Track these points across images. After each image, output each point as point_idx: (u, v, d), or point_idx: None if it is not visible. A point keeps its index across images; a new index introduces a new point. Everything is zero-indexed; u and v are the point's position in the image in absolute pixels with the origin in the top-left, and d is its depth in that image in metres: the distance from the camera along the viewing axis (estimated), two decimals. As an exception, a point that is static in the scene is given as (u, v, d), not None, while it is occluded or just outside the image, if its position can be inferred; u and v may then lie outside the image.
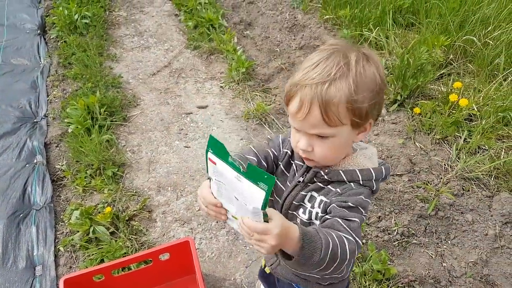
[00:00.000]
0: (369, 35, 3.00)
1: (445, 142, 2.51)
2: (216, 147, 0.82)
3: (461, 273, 1.95)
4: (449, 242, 2.08)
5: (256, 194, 0.77)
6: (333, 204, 0.95)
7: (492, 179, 2.28)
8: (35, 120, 2.73)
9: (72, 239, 2.08)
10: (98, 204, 2.24)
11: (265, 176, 0.74)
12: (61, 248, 2.06)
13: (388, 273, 1.89)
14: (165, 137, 2.62)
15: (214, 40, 3.18)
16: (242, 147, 2.53)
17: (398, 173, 2.37)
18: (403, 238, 2.07)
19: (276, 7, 3.67)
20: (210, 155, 0.84)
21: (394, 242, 2.06)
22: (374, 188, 0.99)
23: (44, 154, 2.52)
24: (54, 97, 2.87)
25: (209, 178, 0.90)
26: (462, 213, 2.17)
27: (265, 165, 1.09)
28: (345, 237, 0.86)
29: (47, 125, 2.70)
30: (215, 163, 0.84)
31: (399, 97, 2.71)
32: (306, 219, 1.04)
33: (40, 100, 2.87)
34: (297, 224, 0.84)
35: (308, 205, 1.03)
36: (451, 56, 2.85)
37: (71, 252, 2.06)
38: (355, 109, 0.88)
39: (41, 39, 3.34)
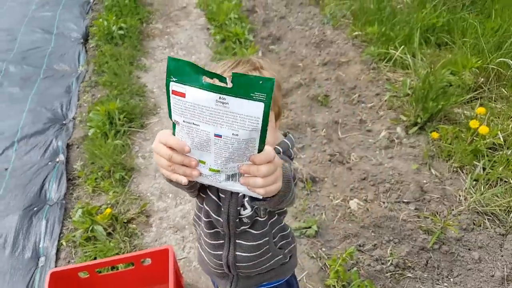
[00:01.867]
0: (394, 53, 2.93)
1: (463, 171, 2.37)
2: (181, 71, 0.63)
3: (459, 316, 1.83)
4: (451, 280, 1.96)
5: (251, 111, 0.63)
6: None
7: (510, 216, 2.11)
8: (63, 122, 3.02)
9: (74, 236, 2.26)
10: (102, 205, 2.42)
11: (260, 82, 0.61)
12: (64, 243, 2.26)
13: (373, 306, 1.84)
14: (175, 145, 2.76)
15: (237, 54, 3.31)
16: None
17: (404, 200, 2.28)
18: (397, 270, 1.98)
19: (307, 22, 3.72)
20: (174, 86, 0.65)
21: (387, 273, 1.98)
22: (292, 156, 1.12)
23: (66, 154, 2.78)
24: (84, 102, 3.16)
25: (174, 124, 0.71)
26: (469, 249, 2.03)
27: None
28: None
29: (73, 128, 2.98)
30: (183, 95, 0.65)
31: (419, 120, 2.61)
32: (251, 212, 1.08)
33: (71, 103, 3.18)
34: None
35: (246, 199, 1.07)
36: (483, 79, 2.68)
37: (71, 247, 2.25)
38: (276, 97, 1.04)
39: (83, 48, 3.70)
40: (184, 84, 0.63)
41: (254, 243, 1.13)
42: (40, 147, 2.84)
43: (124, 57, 3.37)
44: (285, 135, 1.16)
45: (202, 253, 1.25)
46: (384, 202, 2.28)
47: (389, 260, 2.01)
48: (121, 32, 3.59)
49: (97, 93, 3.19)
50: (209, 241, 1.17)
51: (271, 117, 1.03)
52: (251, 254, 1.14)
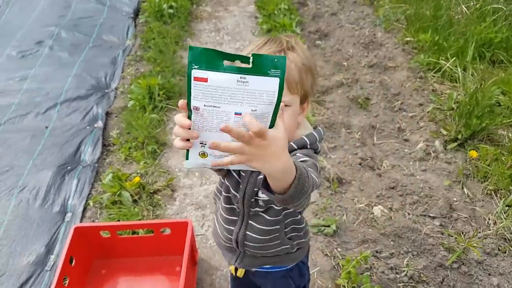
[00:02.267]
0: (444, 64, 2.92)
1: (497, 194, 2.34)
2: (202, 58, 0.69)
3: None
4: (466, 302, 1.97)
5: (268, 86, 0.71)
6: None
7: (540, 247, 2.09)
8: (105, 91, 3.22)
9: (102, 198, 2.44)
10: (132, 173, 2.58)
11: (275, 60, 0.69)
12: (91, 203, 2.44)
13: (380, 312, 1.89)
14: (208, 127, 2.89)
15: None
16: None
17: (430, 214, 2.29)
18: (411, 282, 2.01)
19: (358, 22, 3.74)
20: (196, 72, 0.71)
21: (400, 283, 2.02)
22: (319, 149, 1.14)
23: (104, 121, 2.97)
24: (127, 74, 3.35)
25: (191, 112, 0.75)
26: (489, 274, 2.03)
27: None
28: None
29: (114, 97, 3.17)
30: (205, 79, 0.71)
31: (459, 136, 2.60)
32: (267, 197, 1.13)
33: (115, 74, 3.38)
34: None
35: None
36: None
37: (97, 208, 2.42)
38: (303, 79, 1.02)
39: (132, 22, 3.91)
40: (206, 70, 0.70)
41: (265, 227, 1.20)
42: (81, 111, 3.05)
43: (171, 36, 3.54)
44: (315, 127, 1.18)
45: (217, 225, 1.34)
46: (409, 214, 2.31)
47: (404, 271, 2.04)
48: (170, 11, 3.76)
49: (140, 68, 3.37)
50: (225, 215, 1.26)
51: (294, 100, 1.04)
52: (260, 237, 1.22)
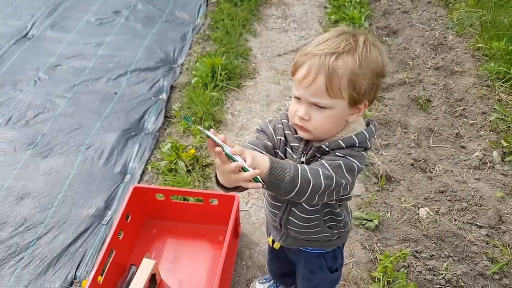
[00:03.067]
0: (515, 74, 2.86)
1: (554, 213, 2.30)
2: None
3: None
4: (502, 314, 1.99)
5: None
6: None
7: None
8: (172, 65, 3.46)
9: (159, 164, 2.66)
10: (188, 146, 2.79)
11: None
12: (149, 168, 2.68)
13: (413, 309, 1.95)
14: (264, 111, 3.04)
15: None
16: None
17: (477, 223, 2.30)
18: (448, 286, 2.05)
19: (429, 23, 3.69)
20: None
21: (436, 285, 2.07)
22: (368, 146, 1.17)
23: (168, 93, 3.21)
24: (194, 52, 3.56)
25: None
26: (531, 291, 2.03)
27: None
28: (319, 167, 1.07)
29: (180, 72, 3.40)
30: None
31: (521, 149, 2.56)
32: None
33: (183, 51, 3.61)
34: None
35: None
36: None
37: (155, 173, 2.65)
38: (356, 84, 1.04)
39: (204, 1, 4.12)
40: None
41: (306, 216, 1.30)
42: (148, 82, 3.31)
43: (240, 18, 3.71)
44: (368, 124, 1.21)
45: (266, 206, 1.48)
46: (455, 219, 2.33)
47: (442, 274, 2.08)
48: (242, -7, 3.94)
49: (207, 47, 3.57)
50: (270, 200, 1.38)
51: (335, 103, 1.07)
52: (301, 223, 1.32)
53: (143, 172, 2.65)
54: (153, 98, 3.18)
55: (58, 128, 2.94)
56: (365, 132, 1.16)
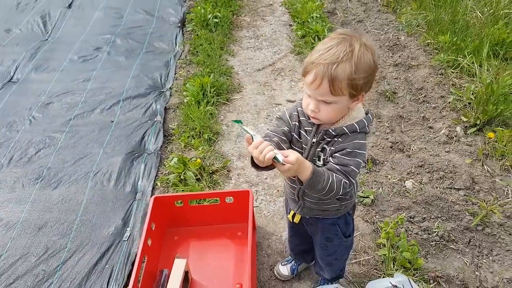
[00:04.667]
0: (462, 61, 3.27)
1: (515, 170, 2.67)
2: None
3: (493, 285, 2.15)
4: (490, 258, 2.28)
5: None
6: (336, 153, 1.41)
7: (554, 211, 2.40)
8: (161, 90, 3.64)
9: (168, 178, 2.82)
10: (192, 158, 2.97)
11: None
12: (158, 183, 2.82)
13: (416, 264, 2.21)
14: (254, 119, 3.29)
15: (316, 48, 3.80)
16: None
17: (455, 187, 2.62)
18: (442, 241, 2.34)
19: (383, 28, 4.12)
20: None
21: (432, 242, 2.34)
22: (367, 131, 1.43)
23: (163, 115, 3.37)
24: (180, 76, 3.77)
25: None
26: (510, 234, 2.34)
27: (285, 139, 1.49)
28: (342, 179, 1.37)
29: (170, 95, 3.58)
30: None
31: (478, 122, 2.94)
32: (321, 165, 1.49)
33: (169, 76, 3.80)
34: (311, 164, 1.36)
35: (322, 154, 1.48)
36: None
37: (165, 187, 2.80)
38: (353, 84, 1.27)
39: (179, 31, 4.36)
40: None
41: None
42: (142, 107, 3.46)
43: (217, 42, 3.97)
44: (366, 113, 1.44)
45: (285, 182, 1.73)
46: (437, 186, 2.64)
47: (435, 232, 2.37)
48: (215, 20, 4.22)
49: (191, 70, 3.80)
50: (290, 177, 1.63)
51: (338, 99, 1.30)
52: (315, 195, 1.55)
53: (153, 188, 2.78)
54: (149, 121, 3.32)
55: (62, 160, 2.98)
56: (364, 120, 1.42)
